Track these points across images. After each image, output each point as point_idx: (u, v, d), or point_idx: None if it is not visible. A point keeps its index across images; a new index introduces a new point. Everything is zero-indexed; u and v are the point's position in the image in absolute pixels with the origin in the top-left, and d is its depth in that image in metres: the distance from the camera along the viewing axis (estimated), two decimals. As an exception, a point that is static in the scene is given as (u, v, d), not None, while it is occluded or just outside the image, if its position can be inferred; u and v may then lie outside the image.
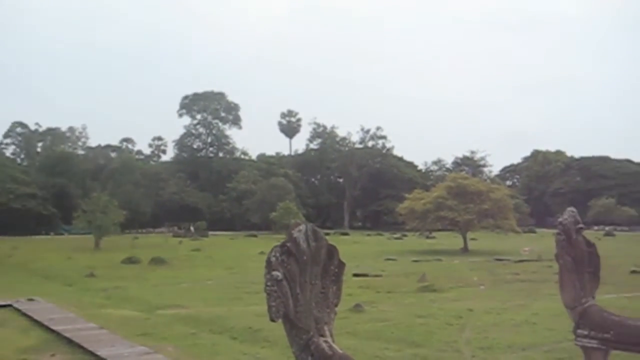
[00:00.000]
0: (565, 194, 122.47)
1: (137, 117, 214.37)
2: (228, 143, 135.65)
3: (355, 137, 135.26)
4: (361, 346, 13.75)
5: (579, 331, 8.31)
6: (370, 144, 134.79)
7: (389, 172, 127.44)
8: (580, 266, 8.12)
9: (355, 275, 30.28)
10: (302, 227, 5.11)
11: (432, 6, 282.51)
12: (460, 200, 55.31)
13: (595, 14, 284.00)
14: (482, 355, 13.27)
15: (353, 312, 18.83)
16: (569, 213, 8.19)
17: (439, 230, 67.66)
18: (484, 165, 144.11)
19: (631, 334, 7.85)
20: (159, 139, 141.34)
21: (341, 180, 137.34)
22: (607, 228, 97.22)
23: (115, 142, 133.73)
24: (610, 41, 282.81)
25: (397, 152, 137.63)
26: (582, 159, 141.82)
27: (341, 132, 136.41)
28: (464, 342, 14.72)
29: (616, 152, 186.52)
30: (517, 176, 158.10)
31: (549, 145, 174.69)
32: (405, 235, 79.77)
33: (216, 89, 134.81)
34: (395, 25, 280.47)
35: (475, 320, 17.78)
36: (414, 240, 71.44)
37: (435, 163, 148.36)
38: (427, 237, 73.31)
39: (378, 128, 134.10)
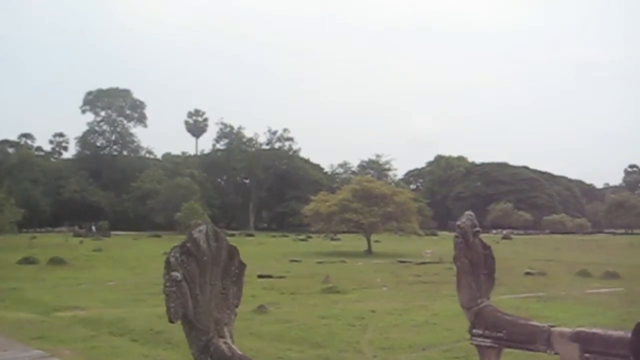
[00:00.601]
0: (466, 198, 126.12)
1: (37, 113, 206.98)
2: (133, 141, 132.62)
3: (262, 138, 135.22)
4: (264, 347, 13.75)
5: (474, 330, 8.59)
6: (277, 145, 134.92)
7: (295, 174, 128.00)
8: (476, 268, 8.40)
9: (260, 276, 30.22)
10: (203, 227, 5.06)
11: (339, 12, 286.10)
12: (364, 203, 56.09)
13: (501, 27, 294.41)
14: (384, 356, 13.50)
15: (256, 313, 18.79)
16: (467, 217, 8.46)
17: (344, 232, 68.29)
18: (389, 169, 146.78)
19: (521, 332, 8.19)
20: (61, 135, 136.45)
21: (247, 181, 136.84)
22: (504, 231, 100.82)
23: (13, 137, 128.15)
24: (513, 53, 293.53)
25: (303, 154, 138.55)
26: (483, 164, 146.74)
27: (248, 133, 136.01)
28: (366, 342, 14.93)
29: (514, 159, 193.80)
30: (421, 180, 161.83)
31: (451, 150, 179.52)
32: (310, 237, 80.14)
33: (121, 86, 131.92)
34: (303, 29, 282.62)
35: (378, 321, 18.06)
36: (318, 242, 71.83)
37: (341, 166, 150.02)
38: (332, 239, 73.89)
39: (285, 130, 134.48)
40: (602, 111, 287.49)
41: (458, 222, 8.35)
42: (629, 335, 7.93)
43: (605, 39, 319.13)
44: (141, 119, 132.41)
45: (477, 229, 8.45)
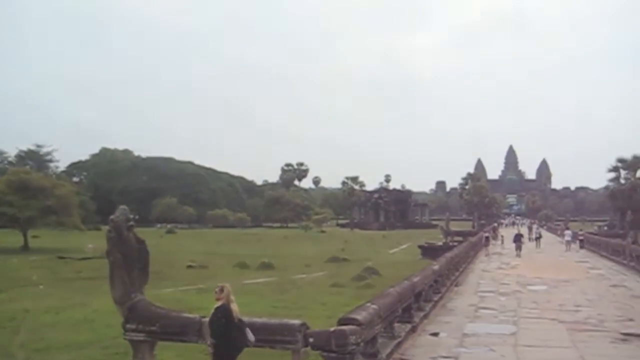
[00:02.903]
0: (131, 192, 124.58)
1: None
2: None
3: None
4: None
5: (128, 325, 8.62)
6: None
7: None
8: (130, 262, 8.41)
9: None
10: None
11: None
12: (21, 195, 52.67)
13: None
14: (38, 358, 12.92)
15: None
16: (121, 211, 8.41)
17: (-2, 227, 63.55)
18: (50, 160, 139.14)
19: (174, 324, 8.42)
20: None
21: None
22: (169, 226, 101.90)
23: None
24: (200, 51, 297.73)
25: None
26: (149, 158, 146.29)
27: None
28: (17, 345, 14.15)
29: (180, 154, 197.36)
30: (85, 173, 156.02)
31: (117, 143, 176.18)
32: (-43, 234, 73.30)
33: None
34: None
35: (32, 321, 17.22)
36: (-34, 239, 65.97)
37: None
38: (-17, 236, 68.40)
39: None
40: (261, 110, 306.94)
41: (111, 217, 8.28)
42: (272, 321, 8.62)
43: (256, 41, 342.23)
44: None
45: (131, 223, 8.45)
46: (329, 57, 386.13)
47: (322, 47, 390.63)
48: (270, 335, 8.24)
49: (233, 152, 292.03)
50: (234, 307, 7.92)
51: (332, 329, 8.40)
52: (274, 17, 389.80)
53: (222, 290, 8.04)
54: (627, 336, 13.61)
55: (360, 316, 9.02)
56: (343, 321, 8.77)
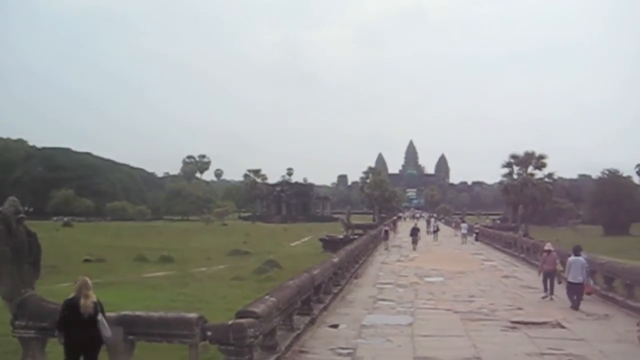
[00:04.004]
0: (26, 184, 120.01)
1: None
2: None
3: None
4: None
5: (17, 322, 8.31)
6: None
7: None
8: (20, 256, 8.10)
9: None
10: None
11: None
12: None
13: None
14: None
15: None
16: (10, 202, 8.07)
17: None
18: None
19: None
20: None
21: None
22: (65, 218, 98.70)
23: None
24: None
25: None
26: (45, 149, 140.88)
27: None
28: None
29: (78, 145, 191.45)
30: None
31: (10, 133, 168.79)
32: None
33: None
34: None
35: None
36: None
37: None
38: None
39: None
40: (162, 101, 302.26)
41: (0, 209, 7.94)
42: (169, 315, 8.51)
43: (158, 29, 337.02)
44: None
45: (22, 215, 8.13)
46: (231, 49, 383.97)
47: (224, 39, 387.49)
48: (167, 330, 8.14)
49: (133, 143, 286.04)
50: (84, 301, 7.77)
51: (230, 322, 8.39)
52: (177, 7, 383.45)
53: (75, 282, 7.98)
54: (516, 324, 14.21)
55: (258, 309, 9.03)
56: (241, 314, 8.77)
